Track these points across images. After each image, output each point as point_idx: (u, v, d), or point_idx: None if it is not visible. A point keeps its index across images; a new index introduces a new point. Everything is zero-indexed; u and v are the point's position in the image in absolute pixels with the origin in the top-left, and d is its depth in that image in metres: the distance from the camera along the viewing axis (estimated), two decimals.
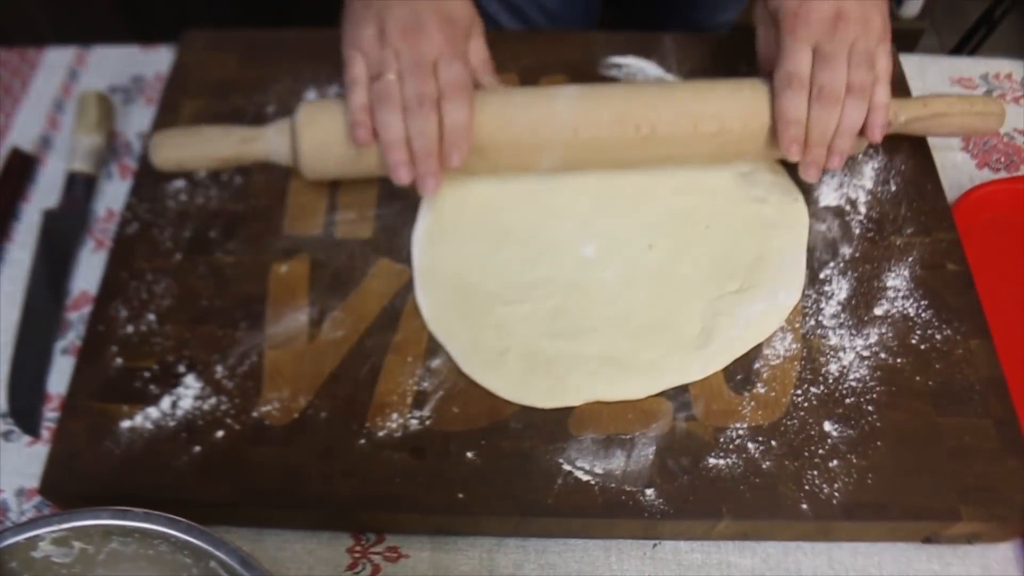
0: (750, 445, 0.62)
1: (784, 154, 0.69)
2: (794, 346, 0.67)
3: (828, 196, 0.75)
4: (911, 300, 0.69)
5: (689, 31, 1.12)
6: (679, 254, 0.71)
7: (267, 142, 0.72)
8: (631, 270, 0.70)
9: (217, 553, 0.47)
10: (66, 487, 0.61)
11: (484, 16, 0.74)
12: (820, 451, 0.62)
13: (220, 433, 0.63)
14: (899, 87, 0.81)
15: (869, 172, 0.76)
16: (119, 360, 0.66)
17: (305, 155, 0.70)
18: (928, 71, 0.89)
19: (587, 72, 0.83)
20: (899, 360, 0.66)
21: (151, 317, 0.68)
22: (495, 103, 0.70)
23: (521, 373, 0.65)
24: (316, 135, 0.69)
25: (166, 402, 0.64)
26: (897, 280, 0.70)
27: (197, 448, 0.62)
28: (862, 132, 0.69)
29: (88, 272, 0.75)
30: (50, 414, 0.68)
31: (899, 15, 1.94)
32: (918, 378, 0.65)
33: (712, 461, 0.62)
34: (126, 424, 0.63)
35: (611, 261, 0.71)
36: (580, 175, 0.73)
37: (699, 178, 0.75)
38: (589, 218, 0.73)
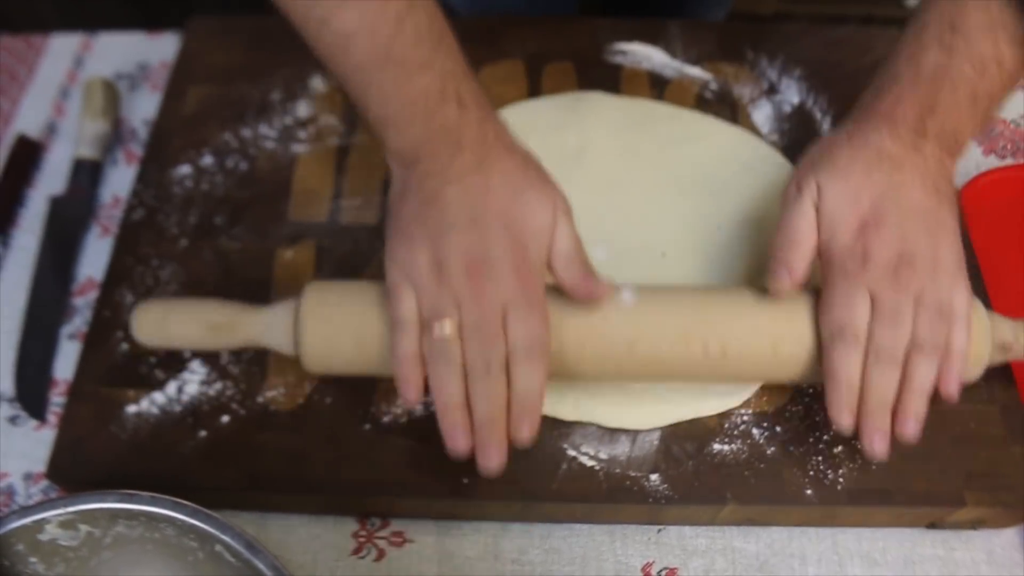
0: (755, 431, 0.62)
1: (832, 419, 0.57)
2: None
3: None
4: None
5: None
6: (692, 262, 0.70)
7: (266, 329, 0.60)
8: (643, 279, 0.66)
9: (223, 537, 0.48)
10: (72, 471, 0.61)
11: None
12: (825, 437, 0.62)
13: (225, 418, 0.63)
14: None
15: None
16: (125, 345, 0.66)
17: (310, 362, 0.60)
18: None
19: (593, 59, 0.83)
20: None
21: None
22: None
23: None
24: (323, 344, 0.59)
25: (172, 387, 0.64)
26: None
27: (203, 433, 0.62)
28: (937, 387, 0.57)
29: (94, 258, 0.75)
30: (56, 399, 0.68)
31: (904, 4, 1.93)
32: None
33: (717, 447, 0.62)
34: (132, 409, 0.63)
35: (624, 267, 0.67)
36: (590, 177, 0.72)
37: (709, 180, 0.74)
38: (601, 220, 0.71)
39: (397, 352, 0.56)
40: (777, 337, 0.59)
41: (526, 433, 0.55)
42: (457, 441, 0.55)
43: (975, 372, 0.60)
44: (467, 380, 0.55)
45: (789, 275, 0.58)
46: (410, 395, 0.56)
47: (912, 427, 0.56)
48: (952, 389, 0.57)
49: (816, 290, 0.60)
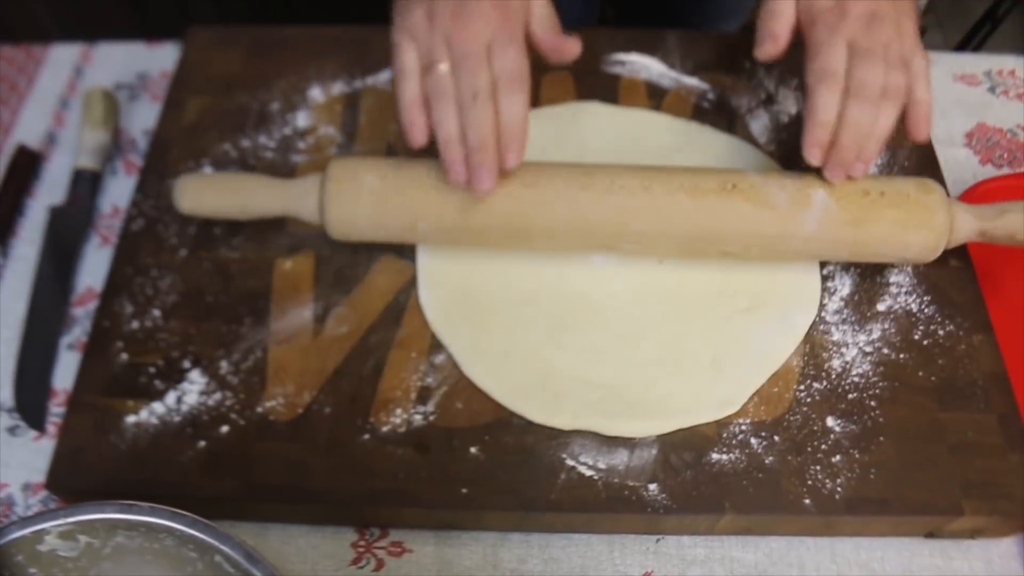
0: (753, 440, 0.62)
1: (804, 154, 0.64)
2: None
3: None
4: (914, 296, 0.69)
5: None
6: (688, 266, 0.70)
7: (294, 199, 0.68)
8: (641, 286, 0.69)
9: (222, 547, 0.47)
10: (72, 481, 0.61)
11: None
12: (823, 446, 0.62)
13: (225, 428, 0.63)
14: None
15: (872, 169, 0.76)
16: (124, 356, 0.66)
17: (334, 225, 0.67)
18: (931, 68, 0.89)
19: (591, 69, 0.83)
20: (902, 356, 0.66)
21: (156, 313, 0.68)
22: (564, 184, 0.66)
23: (520, 380, 0.64)
24: (346, 207, 0.66)
25: (171, 397, 0.64)
26: (900, 276, 0.70)
27: (202, 443, 0.62)
28: (906, 133, 0.65)
29: (94, 268, 0.75)
30: (56, 409, 0.68)
31: None
32: (921, 373, 0.65)
33: (715, 456, 0.62)
34: (131, 419, 0.63)
35: (620, 273, 0.70)
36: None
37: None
38: None
39: (402, 98, 0.63)
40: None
41: (513, 160, 0.62)
42: (456, 172, 0.62)
43: (934, 254, 0.66)
44: (460, 112, 0.61)
45: (773, 41, 0.66)
46: (416, 134, 0.63)
47: (861, 170, 0.64)
48: (923, 131, 0.65)
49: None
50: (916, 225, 0.64)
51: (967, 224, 0.66)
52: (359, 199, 0.66)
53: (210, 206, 0.69)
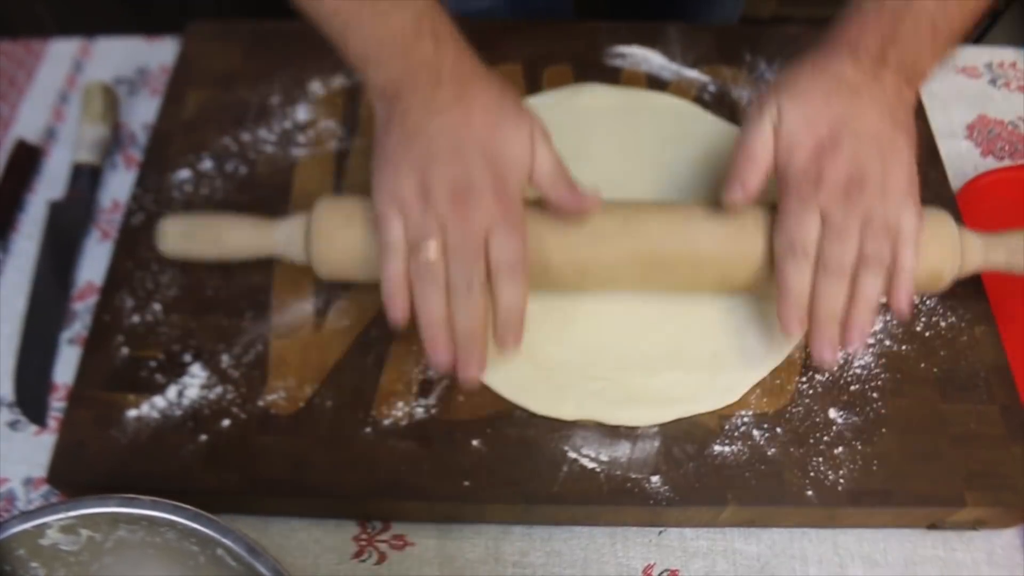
0: (755, 432, 0.62)
1: (783, 327, 0.61)
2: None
3: None
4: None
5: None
6: None
7: (281, 242, 0.65)
8: None
9: (224, 540, 0.48)
10: (73, 476, 0.61)
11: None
12: (825, 438, 0.62)
13: (226, 422, 0.63)
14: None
15: None
16: (125, 350, 0.66)
17: (322, 270, 0.65)
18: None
19: (591, 62, 0.83)
20: (904, 347, 0.66)
21: (157, 307, 0.68)
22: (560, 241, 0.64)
23: (522, 373, 0.64)
24: (334, 254, 0.64)
25: (172, 391, 0.64)
26: None
27: (203, 437, 0.62)
28: (888, 303, 0.61)
29: (94, 263, 0.75)
30: (57, 404, 0.68)
31: None
32: (923, 365, 0.65)
33: (717, 448, 0.62)
34: (132, 413, 0.63)
35: None
36: (589, 176, 0.72)
37: (707, 179, 0.75)
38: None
39: (386, 274, 0.59)
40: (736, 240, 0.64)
41: (511, 342, 0.59)
42: (438, 355, 0.59)
43: (944, 282, 0.64)
44: (450, 299, 0.58)
45: (742, 189, 0.61)
46: (396, 314, 0.59)
47: (856, 338, 0.60)
48: (902, 305, 0.60)
49: (773, 205, 0.63)
50: (924, 268, 0.63)
51: (975, 258, 0.64)
52: (347, 249, 0.63)
53: (192, 249, 0.67)
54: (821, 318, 0.59)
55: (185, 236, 0.66)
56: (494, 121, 0.60)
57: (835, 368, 0.62)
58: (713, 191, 0.73)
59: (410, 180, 0.58)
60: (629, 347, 0.66)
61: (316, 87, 0.81)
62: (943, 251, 0.63)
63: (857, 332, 0.59)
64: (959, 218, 0.72)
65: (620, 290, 0.67)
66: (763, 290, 0.65)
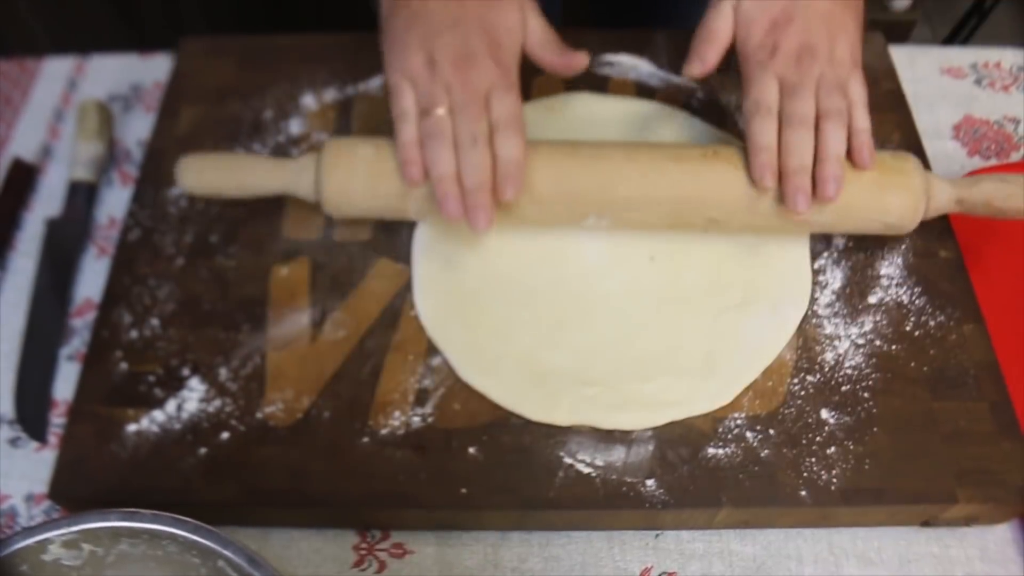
0: (748, 434, 0.63)
1: (756, 183, 0.65)
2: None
3: None
4: (904, 287, 0.69)
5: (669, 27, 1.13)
6: (680, 265, 0.70)
7: (292, 177, 0.69)
8: (634, 283, 0.70)
9: (225, 552, 0.48)
10: (74, 491, 0.62)
11: None
12: (818, 438, 0.63)
13: (225, 435, 0.63)
14: (888, 77, 0.82)
15: None
16: (124, 365, 0.67)
17: (329, 196, 0.68)
18: (918, 62, 0.90)
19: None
20: (894, 347, 0.67)
21: (155, 322, 0.69)
22: (550, 155, 0.68)
23: (516, 380, 0.65)
24: (341, 176, 0.67)
25: (171, 405, 0.65)
26: (890, 268, 0.70)
27: (203, 450, 0.63)
28: (850, 160, 0.65)
29: (91, 279, 0.76)
30: (57, 420, 0.69)
31: (889, 7, 1.95)
32: (913, 364, 0.66)
33: (711, 451, 0.62)
34: (132, 428, 0.64)
35: (614, 272, 0.70)
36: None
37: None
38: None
39: (400, 139, 0.65)
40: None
41: (510, 192, 0.64)
42: (450, 207, 0.64)
43: (914, 220, 0.68)
44: (457, 154, 0.64)
45: (701, 63, 0.68)
46: (413, 173, 0.65)
47: (831, 188, 0.64)
48: (864, 159, 0.65)
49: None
50: (893, 186, 0.66)
51: (944, 192, 0.68)
52: (354, 171, 0.67)
53: (211, 183, 0.70)
54: (792, 168, 0.64)
55: (203, 170, 0.70)
56: None
57: (804, 212, 0.64)
58: None
59: (417, 54, 0.65)
60: (622, 351, 0.66)
61: (309, 101, 0.82)
62: (912, 187, 0.66)
63: (831, 182, 0.64)
64: (947, 222, 0.72)
65: (612, 227, 0.70)
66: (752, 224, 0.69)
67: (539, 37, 0.69)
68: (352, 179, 0.68)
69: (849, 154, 0.65)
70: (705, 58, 0.68)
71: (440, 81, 0.64)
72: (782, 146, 0.64)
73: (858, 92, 0.66)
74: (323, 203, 0.69)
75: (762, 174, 0.64)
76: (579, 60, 0.69)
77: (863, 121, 0.66)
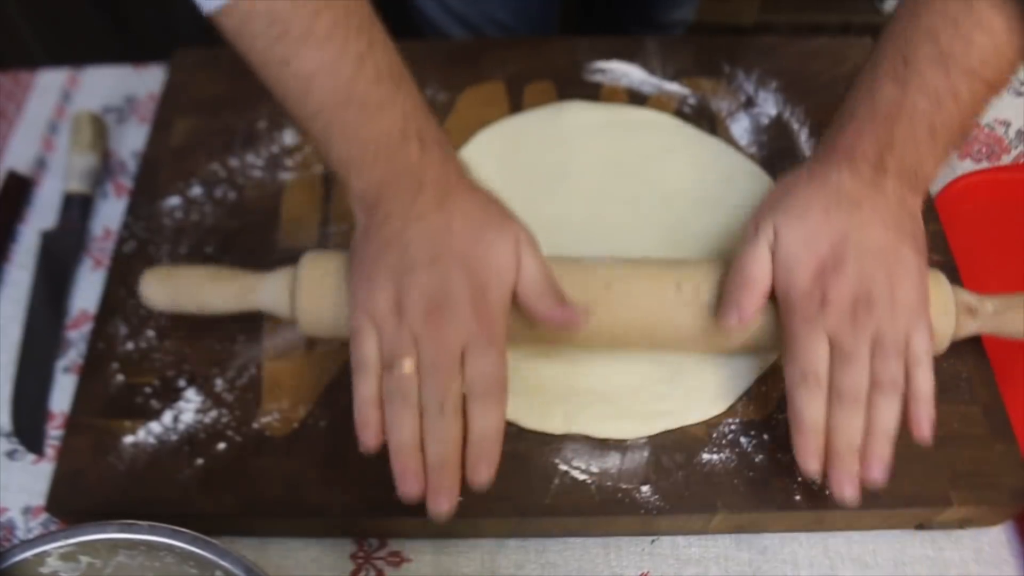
0: (743, 440, 0.63)
1: (800, 465, 0.57)
2: None
3: None
4: None
5: (647, 28, 1.13)
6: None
7: (265, 299, 0.64)
8: None
9: (222, 563, 0.48)
10: (72, 503, 0.62)
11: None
12: None
13: (222, 445, 0.64)
14: None
15: None
16: (120, 377, 0.67)
17: (306, 324, 0.63)
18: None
19: (572, 78, 0.84)
20: None
21: (151, 333, 0.69)
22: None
23: (512, 388, 0.63)
24: (315, 302, 0.62)
25: (168, 416, 0.65)
26: None
27: (199, 461, 0.63)
28: (906, 424, 0.57)
29: (87, 291, 0.76)
30: (54, 432, 0.69)
31: (882, 9, 1.95)
32: None
33: (706, 456, 0.62)
34: (129, 439, 0.64)
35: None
36: (573, 190, 0.73)
37: (690, 192, 0.76)
38: (582, 232, 0.73)
39: (357, 395, 0.56)
40: None
41: (484, 476, 0.54)
42: (408, 485, 0.54)
43: (942, 346, 0.62)
44: (422, 421, 0.54)
45: (739, 315, 0.59)
46: (368, 440, 0.55)
47: (877, 471, 0.56)
48: (924, 432, 0.57)
49: None
50: None
51: (968, 327, 0.63)
52: (332, 292, 0.62)
53: (175, 303, 0.65)
54: (840, 451, 0.56)
55: (167, 291, 0.65)
56: (476, 228, 0.57)
57: (857, 503, 0.56)
58: (695, 206, 0.75)
59: (385, 292, 0.56)
60: (616, 360, 0.66)
61: None
62: (937, 317, 0.61)
63: (877, 464, 0.56)
64: (939, 226, 0.73)
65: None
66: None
67: (534, 280, 0.58)
68: (330, 314, 0.62)
69: (905, 421, 0.57)
70: (743, 307, 0.59)
71: (408, 330, 0.55)
72: (829, 423, 0.56)
73: (922, 347, 0.57)
74: (299, 326, 0.64)
75: (807, 456, 0.56)
76: (579, 318, 0.59)
77: (925, 384, 0.57)
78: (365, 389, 0.56)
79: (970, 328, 0.63)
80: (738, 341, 0.63)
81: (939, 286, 0.62)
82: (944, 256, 0.71)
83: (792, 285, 0.58)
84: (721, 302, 0.60)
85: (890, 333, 0.56)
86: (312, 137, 0.60)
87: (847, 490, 0.55)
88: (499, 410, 0.55)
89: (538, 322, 0.59)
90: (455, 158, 0.61)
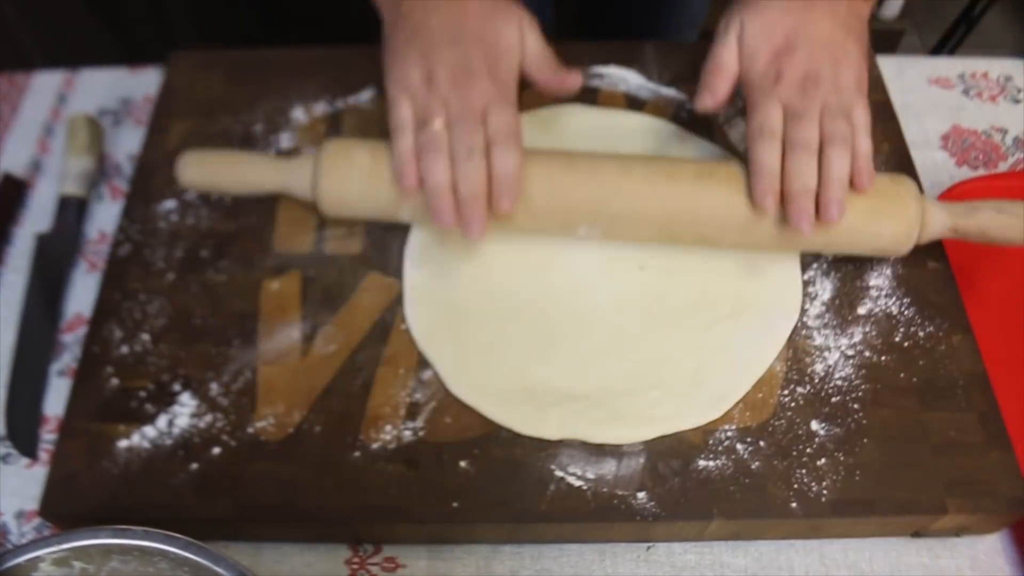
0: (739, 446, 0.63)
1: (757, 205, 0.65)
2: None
3: None
4: (894, 298, 0.70)
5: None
6: (670, 274, 0.71)
7: (289, 175, 0.70)
8: (624, 293, 0.70)
9: (216, 568, 0.48)
10: (65, 508, 0.62)
11: None
12: (808, 450, 0.63)
13: (216, 450, 0.63)
14: (876, 88, 0.82)
15: None
16: (115, 380, 0.67)
17: (325, 197, 0.69)
18: (906, 72, 0.90)
19: None
20: (883, 358, 0.67)
21: (145, 337, 0.69)
22: (546, 165, 0.68)
23: (506, 394, 0.65)
24: (338, 178, 0.68)
25: (162, 421, 0.65)
26: (879, 279, 0.71)
27: (194, 465, 0.63)
28: (853, 185, 0.65)
29: (82, 294, 0.76)
30: (47, 436, 0.69)
31: (879, 16, 1.96)
32: (903, 375, 0.66)
33: (702, 463, 0.62)
34: (123, 443, 0.64)
35: (603, 283, 0.70)
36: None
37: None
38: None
39: (396, 149, 0.66)
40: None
41: (506, 205, 0.64)
42: (444, 216, 0.64)
43: (906, 245, 0.68)
44: (453, 166, 0.64)
45: (711, 96, 0.69)
46: (408, 181, 0.65)
47: (834, 210, 0.64)
48: (864, 182, 0.65)
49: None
50: (887, 214, 0.66)
51: (939, 219, 0.67)
52: (350, 174, 0.68)
53: (210, 179, 0.71)
54: (795, 191, 0.64)
55: (204, 166, 0.71)
56: (487, 13, 0.68)
57: (808, 233, 0.64)
58: None
59: (416, 68, 0.66)
60: (612, 365, 0.66)
61: (298, 114, 0.82)
62: (907, 211, 0.67)
63: (835, 205, 0.64)
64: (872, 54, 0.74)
65: (603, 239, 0.71)
66: (747, 243, 0.69)
67: (536, 55, 0.69)
68: (348, 182, 0.68)
69: (851, 177, 0.65)
70: (715, 90, 0.69)
71: (438, 95, 0.65)
72: (785, 170, 0.64)
73: (862, 118, 0.66)
74: (319, 203, 0.69)
75: (763, 197, 0.64)
76: (573, 80, 0.70)
77: (865, 146, 0.66)
78: (403, 144, 0.66)
79: (939, 221, 0.68)
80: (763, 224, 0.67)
81: (904, 181, 0.68)
82: (940, 262, 0.71)
83: (752, 66, 0.68)
84: (697, 89, 0.70)
85: (834, 103, 0.65)
86: None
87: (804, 224, 0.64)
88: (517, 153, 0.65)
89: (541, 87, 0.70)
90: None
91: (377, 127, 0.66)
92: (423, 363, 0.67)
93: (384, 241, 0.73)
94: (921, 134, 0.86)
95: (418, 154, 0.65)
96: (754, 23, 0.68)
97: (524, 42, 0.69)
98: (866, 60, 0.69)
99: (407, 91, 0.66)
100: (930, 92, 0.90)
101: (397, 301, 0.70)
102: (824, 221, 0.64)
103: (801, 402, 0.65)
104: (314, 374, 0.67)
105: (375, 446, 0.63)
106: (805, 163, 0.64)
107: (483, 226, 0.64)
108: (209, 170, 0.71)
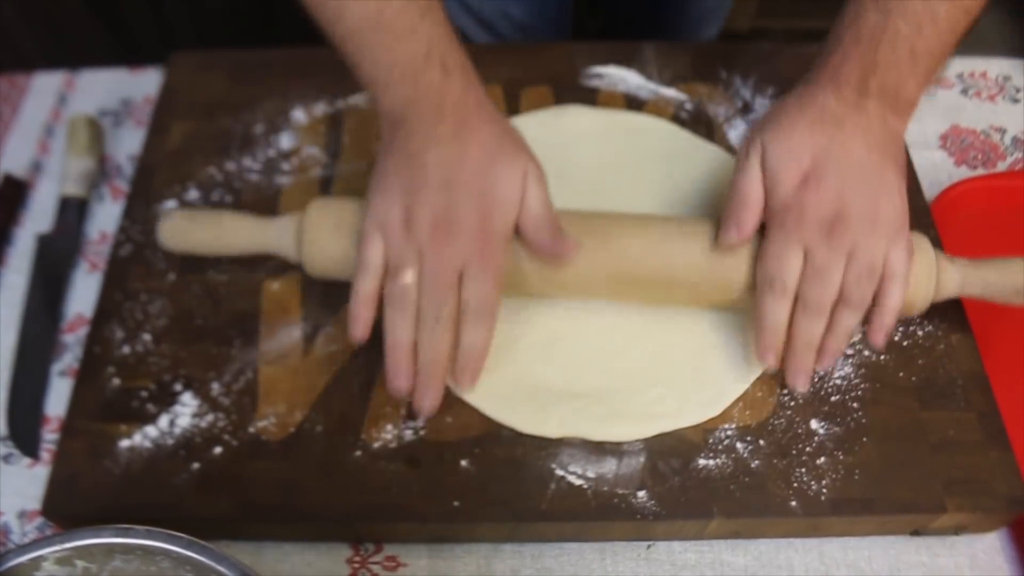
0: (739, 445, 0.63)
1: (758, 358, 0.63)
2: None
3: None
4: None
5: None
6: None
7: (274, 239, 0.68)
8: None
9: (218, 567, 0.48)
10: (67, 507, 0.62)
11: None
12: (807, 449, 0.63)
13: (218, 449, 0.64)
14: None
15: None
16: (116, 380, 0.67)
17: (310, 260, 0.67)
18: None
19: (569, 82, 0.84)
20: (882, 357, 0.67)
21: (147, 337, 0.69)
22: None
23: (507, 393, 0.65)
24: (321, 240, 0.66)
25: (164, 420, 0.65)
26: None
27: (196, 465, 0.63)
28: (865, 335, 0.63)
29: (83, 295, 0.76)
30: (49, 436, 0.69)
31: None
32: (901, 374, 0.66)
33: (702, 462, 0.63)
34: (125, 443, 0.64)
35: None
36: (571, 194, 0.73)
37: (687, 197, 0.76)
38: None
39: (357, 290, 0.61)
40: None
41: (467, 381, 0.61)
42: (399, 380, 0.61)
43: (918, 309, 0.65)
44: (417, 327, 0.60)
45: (737, 232, 0.62)
46: (357, 331, 0.61)
47: (828, 362, 0.62)
48: (878, 341, 0.62)
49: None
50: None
51: (952, 282, 0.65)
52: (336, 236, 0.65)
53: (191, 243, 0.70)
54: (797, 350, 0.62)
55: (185, 230, 0.69)
56: (489, 158, 0.60)
57: (807, 391, 0.64)
58: (693, 210, 0.75)
59: (397, 206, 0.60)
60: (612, 363, 0.67)
61: (299, 115, 0.82)
62: (919, 277, 0.63)
63: (830, 358, 0.62)
64: (935, 233, 0.73)
65: (595, 299, 0.69)
66: (743, 307, 0.67)
67: (535, 213, 0.62)
68: (333, 256, 0.66)
69: (866, 324, 0.62)
70: (742, 224, 0.62)
71: (414, 244, 0.59)
72: (792, 326, 0.61)
73: (899, 265, 0.60)
74: (305, 267, 0.68)
75: (766, 352, 0.62)
76: (569, 249, 0.63)
77: (894, 299, 0.61)
78: (364, 287, 0.61)
79: (950, 288, 0.65)
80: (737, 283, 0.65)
81: (921, 245, 0.64)
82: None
83: (775, 195, 0.61)
84: (721, 221, 0.63)
85: (865, 250, 0.59)
86: (347, 58, 0.63)
87: (800, 383, 0.62)
88: (487, 329, 0.61)
89: (533, 250, 0.63)
90: (477, 84, 0.63)
91: (377, 128, 0.66)
92: None
93: None
94: (920, 134, 0.86)
95: (384, 303, 0.61)
96: (777, 143, 0.61)
97: (525, 196, 0.61)
98: (904, 186, 0.62)
99: (382, 230, 0.60)
100: (929, 92, 0.90)
101: None
102: (818, 366, 0.63)
103: (800, 401, 0.65)
104: (315, 374, 0.67)
105: (376, 445, 0.63)
106: (816, 325, 0.61)
107: (437, 399, 0.61)
108: (190, 235, 0.69)
